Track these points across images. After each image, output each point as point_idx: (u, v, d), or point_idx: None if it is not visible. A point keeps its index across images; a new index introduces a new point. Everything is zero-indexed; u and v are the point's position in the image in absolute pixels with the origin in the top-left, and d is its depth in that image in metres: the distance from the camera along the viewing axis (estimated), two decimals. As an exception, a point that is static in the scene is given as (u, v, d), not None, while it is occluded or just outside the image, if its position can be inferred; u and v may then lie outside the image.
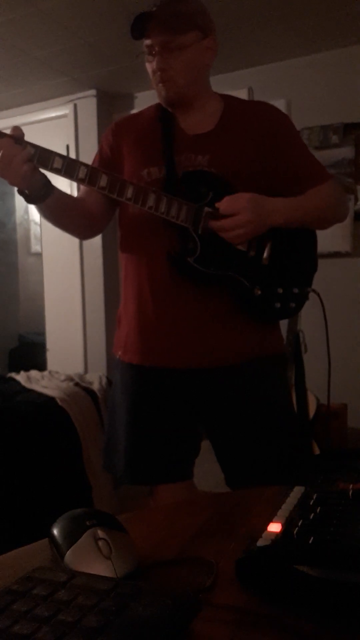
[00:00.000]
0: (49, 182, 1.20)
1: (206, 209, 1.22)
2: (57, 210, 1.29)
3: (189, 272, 1.24)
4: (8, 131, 1.14)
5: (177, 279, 1.27)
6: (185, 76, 1.26)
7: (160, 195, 1.21)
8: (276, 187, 1.32)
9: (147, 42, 1.25)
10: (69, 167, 1.16)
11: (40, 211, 1.27)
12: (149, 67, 1.28)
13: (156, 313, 1.30)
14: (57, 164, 1.15)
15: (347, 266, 3.20)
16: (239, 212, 1.19)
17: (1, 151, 1.10)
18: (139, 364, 1.33)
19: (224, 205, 1.20)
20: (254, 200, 1.21)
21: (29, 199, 1.21)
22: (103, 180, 1.19)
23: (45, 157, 1.14)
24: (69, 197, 1.37)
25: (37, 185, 1.18)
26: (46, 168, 1.15)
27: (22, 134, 1.14)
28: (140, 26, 1.22)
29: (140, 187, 1.21)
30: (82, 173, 1.17)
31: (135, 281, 1.34)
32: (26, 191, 1.19)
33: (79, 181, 1.18)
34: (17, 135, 1.13)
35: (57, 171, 1.15)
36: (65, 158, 1.16)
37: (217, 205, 1.21)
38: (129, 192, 1.20)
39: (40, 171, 1.17)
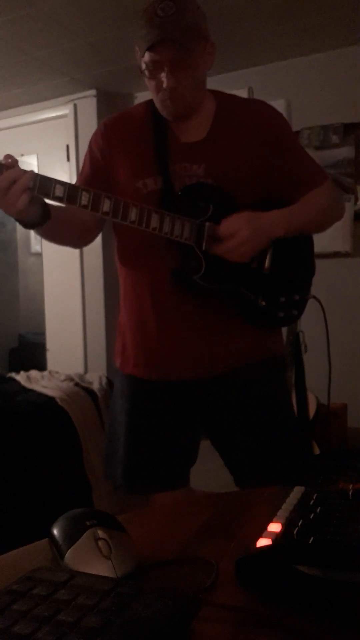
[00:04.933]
0: (46, 206, 1.18)
1: (207, 224, 1.21)
2: (54, 228, 1.26)
3: (195, 289, 1.24)
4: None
5: (180, 294, 1.26)
6: (193, 91, 1.23)
7: (162, 214, 1.19)
8: (274, 189, 1.31)
9: (155, 57, 1.17)
10: (70, 196, 1.13)
11: (37, 233, 1.26)
12: (152, 82, 1.22)
13: (158, 328, 1.29)
14: (59, 192, 1.12)
15: (347, 266, 3.20)
16: (238, 231, 1.18)
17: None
18: (139, 377, 1.33)
19: (222, 227, 1.20)
20: (251, 217, 1.21)
21: (26, 226, 1.19)
22: (106, 205, 1.16)
23: (46, 185, 1.11)
24: (63, 211, 1.31)
25: (34, 215, 1.16)
26: (48, 197, 1.12)
27: (16, 161, 1.11)
28: (150, 42, 1.14)
29: (143, 208, 1.18)
30: (84, 199, 1.14)
31: (135, 297, 1.33)
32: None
33: (82, 207, 1.15)
34: (10, 164, 1.09)
35: (59, 199, 1.12)
36: (65, 185, 1.13)
37: (216, 229, 1.20)
38: (133, 215, 1.17)
39: (38, 202, 1.14)
